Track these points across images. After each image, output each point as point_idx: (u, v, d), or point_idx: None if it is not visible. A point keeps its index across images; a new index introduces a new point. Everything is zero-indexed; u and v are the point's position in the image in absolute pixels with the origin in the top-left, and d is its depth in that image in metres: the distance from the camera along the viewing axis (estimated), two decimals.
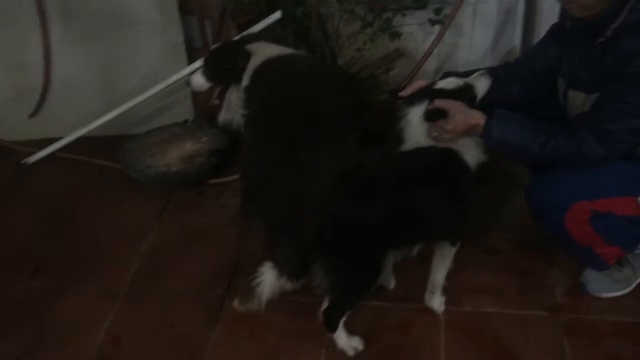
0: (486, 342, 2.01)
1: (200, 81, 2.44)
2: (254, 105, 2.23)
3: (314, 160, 1.96)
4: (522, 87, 2.08)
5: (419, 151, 1.91)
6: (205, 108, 2.64)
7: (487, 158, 1.93)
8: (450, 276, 2.09)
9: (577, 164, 1.84)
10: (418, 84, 2.00)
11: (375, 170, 1.93)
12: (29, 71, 2.99)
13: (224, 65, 2.36)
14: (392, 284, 2.22)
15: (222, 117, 2.47)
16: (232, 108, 2.41)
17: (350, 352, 1.99)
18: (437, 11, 2.69)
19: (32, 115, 3.10)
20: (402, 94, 1.99)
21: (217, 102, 2.45)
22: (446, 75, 2.01)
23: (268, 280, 1.93)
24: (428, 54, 2.72)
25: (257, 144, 2.15)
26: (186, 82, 2.61)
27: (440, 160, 1.90)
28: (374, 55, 2.98)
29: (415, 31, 2.94)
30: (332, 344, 2.00)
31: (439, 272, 2.07)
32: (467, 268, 2.24)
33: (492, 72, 1.98)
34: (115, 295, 2.28)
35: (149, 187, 2.81)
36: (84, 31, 2.92)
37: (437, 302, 2.12)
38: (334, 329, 1.96)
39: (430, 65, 2.92)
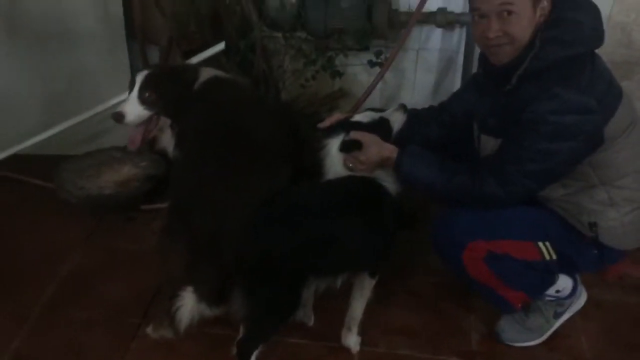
0: None
1: (137, 110, 2.12)
2: (190, 123, 2.16)
3: (243, 185, 1.95)
4: (441, 129, 2.14)
5: (340, 180, 1.95)
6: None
7: (404, 189, 1.97)
8: (369, 316, 2.08)
9: (478, 203, 1.88)
10: (337, 116, 2.06)
11: (298, 198, 1.94)
12: None
13: (174, 85, 2.15)
14: (311, 321, 2.20)
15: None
16: None
17: None
18: (377, 54, 2.75)
19: None
20: (321, 125, 2.03)
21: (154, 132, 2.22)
22: (368, 111, 2.08)
23: (188, 305, 1.89)
24: (367, 94, 2.76)
25: (187, 162, 2.10)
26: (113, 117, 2.14)
27: (360, 189, 1.94)
28: (319, 92, 3.03)
29: (360, 72, 2.99)
30: None
31: (358, 305, 2.05)
32: (387, 309, 2.24)
33: (409, 110, 2.04)
34: (26, 317, 2.21)
35: (79, 210, 2.76)
36: (28, 46, 2.90)
37: (353, 341, 2.10)
38: None
39: (374, 105, 2.95)
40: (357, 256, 1.94)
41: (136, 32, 2.75)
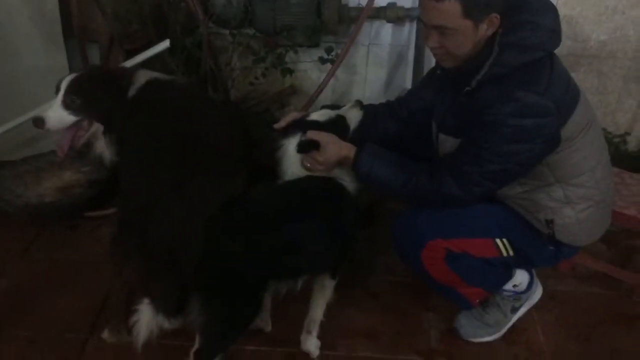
0: None
1: (59, 115, 2.02)
2: (133, 130, 2.07)
3: (198, 191, 1.88)
4: (399, 124, 2.11)
5: (298, 181, 1.91)
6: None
7: (362, 187, 1.94)
8: (328, 318, 2.04)
9: (437, 203, 1.87)
10: (292, 115, 2.01)
11: (257, 202, 1.88)
12: None
13: (102, 90, 2.05)
14: (269, 327, 2.15)
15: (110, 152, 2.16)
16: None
17: None
18: (328, 50, 2.70)
19: None
20: (277, 126, 1.99)
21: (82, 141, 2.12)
22: (324, 108, 2.03)
23: (145, 318, 1.81)
24: (319, 91, 2.71)
25: (136, 172, 2.02)
26: (34, 122, 2.04)
27: (319, 189, 1.90)
28: (269, 90, 2.96)
29: (311, 68, 2.94)
30: None
31: (318, 307, 2.02)
32: (346, 310, 2.21)
33: (365, 106, 2.00)
34: None
35: (18, 220, 2.60)
36: None
37: (313, 344, 2.06)
38: None
39: (326, 102, 2.91)
40: (319, 258, 1.90)
41: (74, 31, 2.60)
